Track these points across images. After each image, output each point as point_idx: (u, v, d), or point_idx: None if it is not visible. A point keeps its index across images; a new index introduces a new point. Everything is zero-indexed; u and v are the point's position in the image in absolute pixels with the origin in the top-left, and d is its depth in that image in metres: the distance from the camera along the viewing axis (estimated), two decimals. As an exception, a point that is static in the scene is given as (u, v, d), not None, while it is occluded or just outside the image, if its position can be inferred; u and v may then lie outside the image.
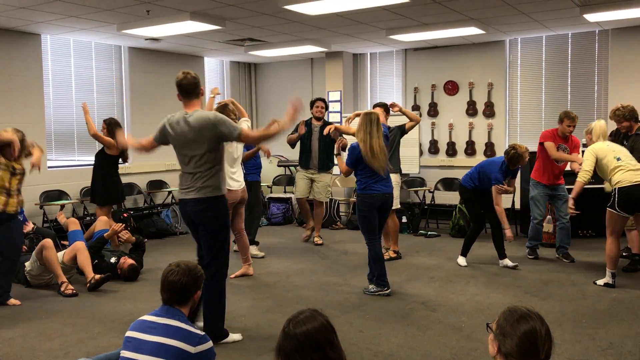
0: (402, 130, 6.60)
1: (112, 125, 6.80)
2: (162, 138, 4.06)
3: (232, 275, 5.64)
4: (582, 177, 5.33)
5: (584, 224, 7.35)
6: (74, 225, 6.17)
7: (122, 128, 7.12)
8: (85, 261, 5.49)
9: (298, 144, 7.51)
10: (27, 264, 5.55)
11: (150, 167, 9.10)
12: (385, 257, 6.54)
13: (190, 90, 3.96)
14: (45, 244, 5.39)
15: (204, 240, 4.00)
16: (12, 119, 7.48)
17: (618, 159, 5.21)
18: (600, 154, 5.28)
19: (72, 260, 5.56)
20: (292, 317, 1.94)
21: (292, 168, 10.28)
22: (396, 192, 6.50)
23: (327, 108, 7.69)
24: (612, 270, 5.25)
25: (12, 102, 7.51)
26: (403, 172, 7.35)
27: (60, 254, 5.57)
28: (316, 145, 7.31)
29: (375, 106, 6.62)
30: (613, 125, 6.18)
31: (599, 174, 5.40)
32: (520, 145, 5.97)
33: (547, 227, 7.06)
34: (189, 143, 3.91)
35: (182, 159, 4.02)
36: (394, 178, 6.52)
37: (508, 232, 5.94)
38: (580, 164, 5.59)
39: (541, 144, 6.36)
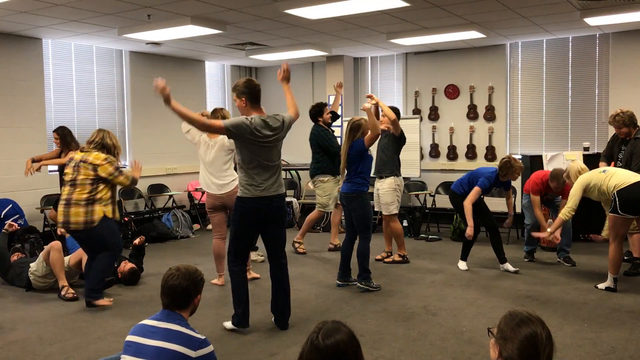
0: (393, 134, 6.37)
1: (65, 135, 6.61)
2: (235, 132, 4.06)
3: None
4: (565, 214, 5.30)
5: (585, 228, 7.35)
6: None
7: (74, 135, 6.78)
8: None
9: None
10: (32, 264, 5.57)
11: (151, 171, 9.10)
12: (389, 260, 6.58)
13: (260, 95, 4.26)
14: (54, 245, 5.42)
15: (279, 235, 4.38)
16: (13, 123, 7.50)
17: (603, 171, 5.26)
18: (586, 179, 5.28)
19: (77, 264, 5.57)
20: (317, 328, 1.89)
21: (292, 172, 10.28)
22: (390, 198, 6.42)
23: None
24: (614, 275, 5.24)
25: (13, 105, 7.53)
26: (404, 175, 7.26)
27: (66, 259, 5.58)
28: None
29: None
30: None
31: (600, 199, 5.33)
32: (518, 160, 6.03)
33: (548, 230, 7.04)
34: (274, 145, 4.22)
35: (265, 158, 4.16)
36: (388, 182, 6.48)
37: (468, 230, 5.97)
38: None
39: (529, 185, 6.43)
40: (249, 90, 4.18)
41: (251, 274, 5.81)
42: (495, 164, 8.77)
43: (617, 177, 5.13)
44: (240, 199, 4.22)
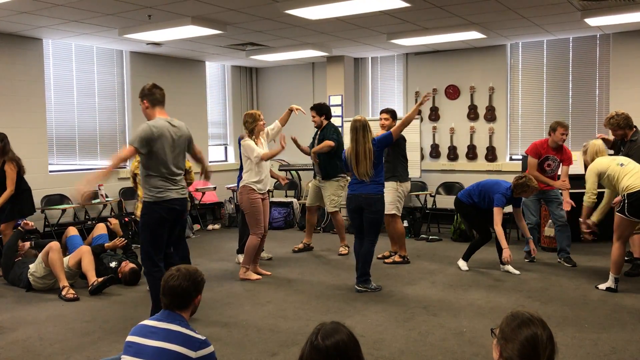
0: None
1: (5, 144, 6.24)
2: (151, 146, 4.22)
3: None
4: (587, 200, 5.28)
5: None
6: (72, 231, 6.17)
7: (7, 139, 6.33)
8: (89, 265, 5.51)
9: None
10: (31, 265, 5.57)
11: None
12: (389, 261, 6.58)
13: (164, 100, 4.42)
14: (52, 246, 5.44)
15: (183, 233, 4.73)
16: (14, 123, 7.49)
17: (621, 165, 5.16)
18: (602, 167, 5.20)
19: (77, 265, 5.57)
20: (316, 329, 1.89)
21: (293, 172, 10.28)
22: (389, 197, 6.40)
23: (324, 114, 7.10)
24: (616, 275, 5.23)
25: (14, 106, 7.53)
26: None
27: (65, 259, 5.58)
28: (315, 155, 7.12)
29: (381, 112, 6.70)
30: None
31: (609, 188, 5.30)
32: (533, 180, 5.89)
33: (549, 231, 7.05)
34: (182, 147, 4.39)
35: (174, 162, 4.33)
36: (390, 185, 6.44)
37: (505, 252, 5.90)
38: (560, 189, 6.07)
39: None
40: (156, 94, 4.38)
41: (263, 272, 6.11)
42: (496, 165, 8.87)
43: (629, 177, 5.03)
44: (159, 202, 4.24)
